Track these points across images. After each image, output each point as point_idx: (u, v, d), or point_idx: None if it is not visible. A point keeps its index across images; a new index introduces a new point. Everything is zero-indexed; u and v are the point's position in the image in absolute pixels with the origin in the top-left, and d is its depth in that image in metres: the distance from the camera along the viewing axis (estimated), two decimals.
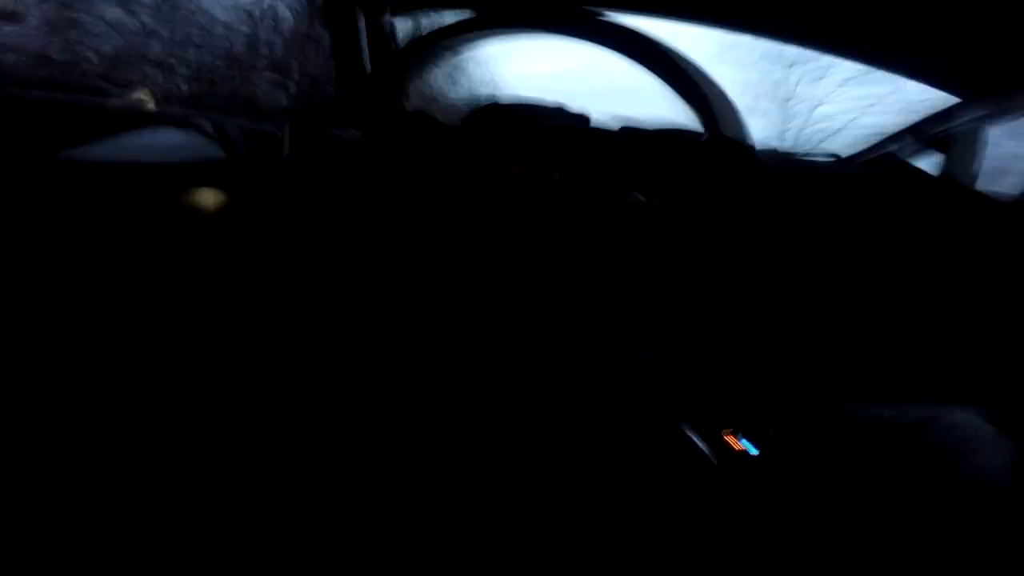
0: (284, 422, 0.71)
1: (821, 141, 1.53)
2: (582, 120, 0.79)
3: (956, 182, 1.03)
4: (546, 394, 0.67)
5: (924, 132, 1.11)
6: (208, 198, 0.91)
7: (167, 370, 0.78)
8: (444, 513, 0.66)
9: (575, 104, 0.84)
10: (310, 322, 0.70)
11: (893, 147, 1.15)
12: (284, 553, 0.63)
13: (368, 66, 0.89)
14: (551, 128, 0.60)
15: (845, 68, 1.21)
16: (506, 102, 0.91)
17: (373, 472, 0.69)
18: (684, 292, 0.58)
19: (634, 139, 0.60)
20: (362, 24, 0.93)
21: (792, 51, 1.25)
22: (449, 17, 0.90)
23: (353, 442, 0.70)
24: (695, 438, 0.69)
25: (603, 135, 0.60)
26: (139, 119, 0.97)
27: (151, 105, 1.31)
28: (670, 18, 1.13)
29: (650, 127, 0.62)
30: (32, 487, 0.65)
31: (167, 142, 0.95)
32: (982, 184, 1.05)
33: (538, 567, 0.63)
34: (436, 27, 0.59)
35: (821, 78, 1.45)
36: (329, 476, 0.69)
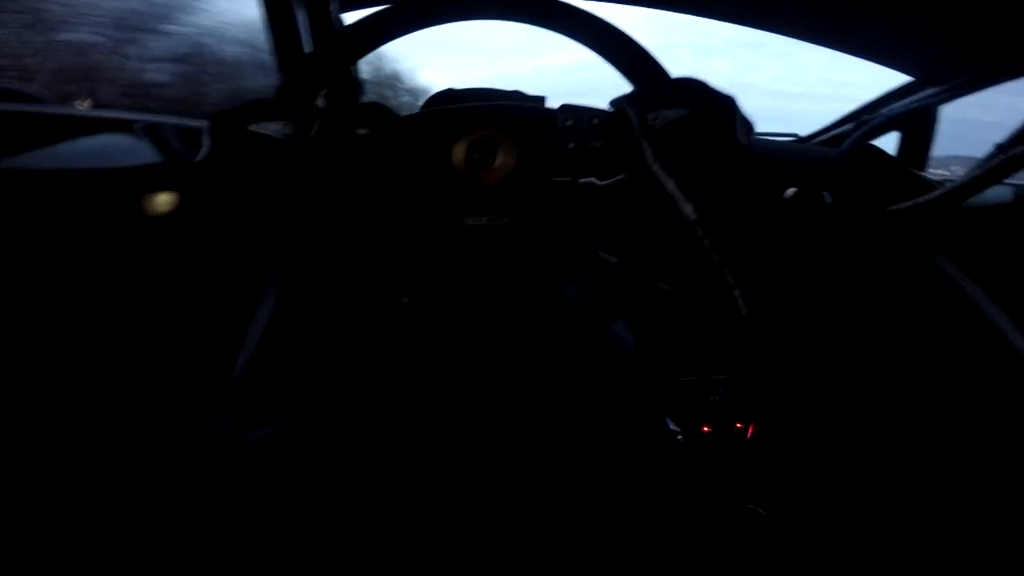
0: (248, 427, 0.69)
1: None
2: (535, 100, 0.76)
3: (912, 161, 1.05)
4: (524, 384, 0.66)
5: (879, 111, 1.13)
6: (148, 201, 0.86)
7: (124, 374, 0.75)
8: (436, 505, 0.65)
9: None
10: (266, 324, 0.68)
11: (849, 126, 1.17)
12: (279, 552, 0.63)
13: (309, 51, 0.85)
14: (494, 107, 0.57)
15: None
16: (461, 88, 0.88)
17: (362, 466, 0.68)
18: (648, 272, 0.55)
19: (577, 117, 0.57)
20: (302, 15, 0.89)
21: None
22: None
23: (336, 438, 0.69)
24: (671, 424, 0.69)
25: (549, 115, 0.57)
26: (72, 125, 0.91)
27: (84, 111, 1.24)
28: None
29: (595, 108, 0.59)
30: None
31: (100, 147, 0.90)
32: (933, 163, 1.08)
33: (533, 561, 0.63)
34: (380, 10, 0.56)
35: None
36: (319, 473, 0.67)
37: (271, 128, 0.49)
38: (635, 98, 0.51)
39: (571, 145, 0.56)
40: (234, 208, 0.48)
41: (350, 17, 1.15)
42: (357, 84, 1.19)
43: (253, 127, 0.49)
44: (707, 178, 0.47)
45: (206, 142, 0.50)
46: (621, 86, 0.53)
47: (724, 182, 0.47)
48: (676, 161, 0.47)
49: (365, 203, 0.57)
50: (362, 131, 0.56)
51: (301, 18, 0.95)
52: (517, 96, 0.81)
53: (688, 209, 0.46)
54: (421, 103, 0.90)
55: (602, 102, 0.57)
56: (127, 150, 0.91)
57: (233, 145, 0.49)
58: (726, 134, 0.48)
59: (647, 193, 0.49)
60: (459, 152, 0.55)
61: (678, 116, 0.48)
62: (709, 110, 0.48)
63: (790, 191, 0.72)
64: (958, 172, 0.93)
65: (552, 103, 0.63)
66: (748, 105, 0.50)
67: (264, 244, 0.49)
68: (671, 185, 0.46)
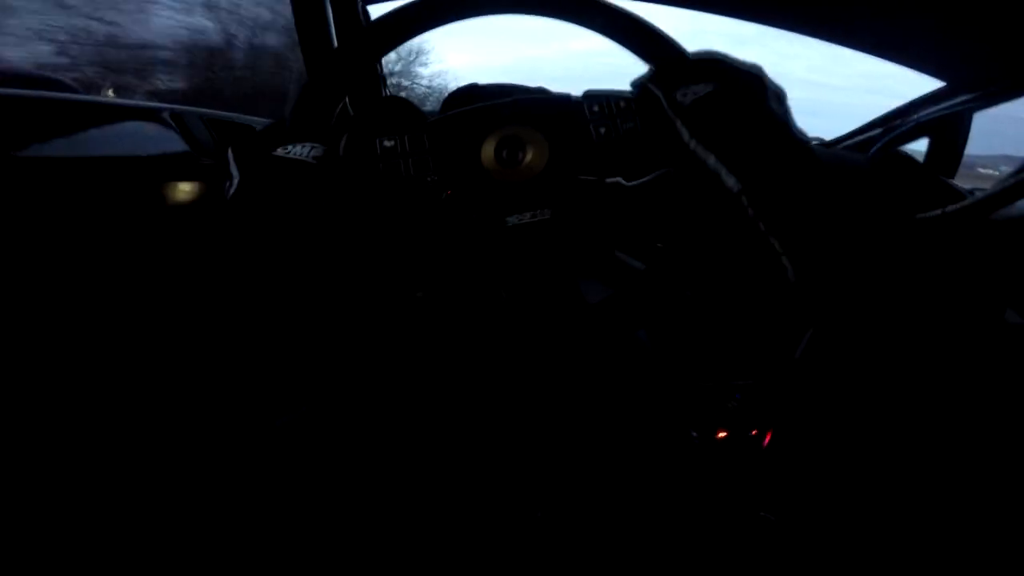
0: (271, 415, 0.70)
1: None
2: (541, 92, 0.75)
3: (942, 169, 1.03)
4: (542, 387, 0.66)
5: (908, 116, 1.10)
6: (174, 191, 0.87)
7: (146, 366, 0.76)
8: (450, 501, 0.65)
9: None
10: (291, 316, 0.69)
11: (877, 131, 1.15)
12: (276, 551, 0.63)
13: (335, 44, 0.86)
14: (524, 102, 0.57)
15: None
16: (484, 84, 0.88)
17: (363, 465, 0.68)
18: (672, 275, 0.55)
19: (603, 102, 0.57)
20: (329, 10, 0.89)
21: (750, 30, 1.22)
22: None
23: (340, 436, 0.69)
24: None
25: (577, 105, 0.57)
26: (99, 113, 0.93)
27: (112, 99, 1.26)
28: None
29: (619, 92, 0.59)
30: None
31: (127, 135, 0.92)
32: (963, 169, 1.06)
33: (545, 561, 0.63)
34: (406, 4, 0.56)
35: None
36: (319, 471, 0.67)
37: (299, 151, 0.49)
38: (658, 76, 0.50)
39: (602, 131, 0.55)
40: (273, 238, 0.47)
41: (375, 11, 1.16)
42: (381, 79, 1.20)
43: (280, 152, 0.49)
44: (746, 148, 0.46)
45: (235, 173, 0.50)
46: (643, 69, 0.53)
47: (764, 150, 0.46)
48: (713, 135, 0.47)
49: (394, 211, 0.56)
50: (388, 143, 0.55)
51: (329, 15, 0.95)
52: (542, 92, 0.81)
53: (731, 181, 0.45)
54: (443, 94, 0.89)
55: (626, 85, 0.56)
56: (153, 138, 0.92)
57: (263, 174, 0.48)
58: (758, 103, 0.48)
59: (680, 170, 0.48)
60: (488, 151, 0.54)
61: (707, 91, 0.47)
62: (736, 82, 0.48)
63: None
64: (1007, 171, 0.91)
65: (576, 90, 0.63)
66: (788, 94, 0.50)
67: (297, 246, 0.49)
68: (711, 160, 0.46)
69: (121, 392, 0.75)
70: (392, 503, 0.65)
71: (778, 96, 0.49)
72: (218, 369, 0.75)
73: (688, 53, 0.51)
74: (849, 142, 1.19)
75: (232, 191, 0.49)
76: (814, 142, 1.23)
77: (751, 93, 0.48)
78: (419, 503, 0.65)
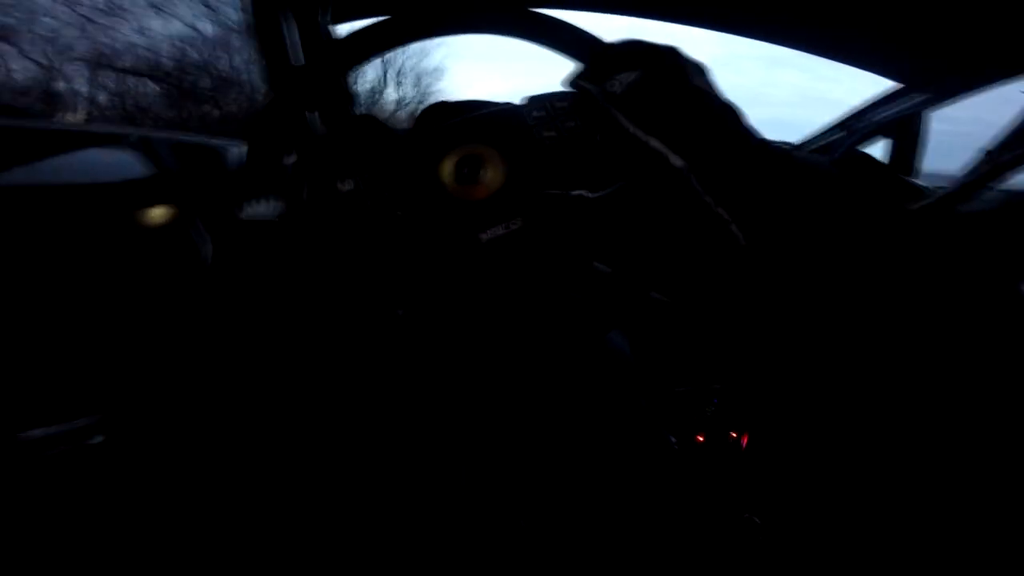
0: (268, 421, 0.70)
1: None
2: (510, 109, 0.77)
3: (902, 168, 1.06)
4: (520, 396, 0.66)
5: (868, 117, 1.14)
6: (142, 216, 0.86)
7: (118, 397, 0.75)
8: (431, 512, 0.65)
9: None
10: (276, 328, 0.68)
11: (840, 134, 1.18)
12: (273, 551, 0.63)
13: (299, 63, 0.86)
14: (474, 120, 0.57)
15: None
16: (452, 101, 0.88)
17: (360, 470, 0.68)
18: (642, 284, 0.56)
19: (544, 105, 0.58)
20: (289, 26, 0.89)
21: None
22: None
23: (334, 441, 0.69)
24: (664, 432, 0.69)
25: (518, 111, 0.58)
26: (63, 139, 0.92)
27: (75, 125, 1.24)
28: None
29: (558, 91, 0.60)
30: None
31: (91, 162, 0.90)
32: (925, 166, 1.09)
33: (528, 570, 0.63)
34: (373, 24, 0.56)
35: None
36: (317, 475, 0.67)
37: (262, 210, 0.49)
38: (586, 72, 0.52)
39: (549, 134, 0.56)
40: (251, 293, 0.48)
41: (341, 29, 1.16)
42: (350, 97, 1.19)
43: (247, 213, 0.49)
44: (683, 126, 0.48)
45: (207, 246, 0.51)
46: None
47: (698, 125, 0.48)
48: (650, 119, 0.48)
49: (363, 240, 0.56)
50: (346, 186, 0.56)
51: (289, 33, 0.95)
52: (507, 107, 0.81)
53: (676, 160, 0.47)
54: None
55: None
56: (118, 164, 0.91)
57: (232, 239, 0.49)
58: (682, 80, 0.49)
59: (628, 157, 0.49)
60: (446, 171, 0.55)
61: (634, 78, 0.49)
62: (658, 64, 0.49)
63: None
64: None
65: None
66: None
67: (279, 289, 0.50)
68: (654, 142, 0.47)
69: (96, 402, 0.74)
70: (374, 513, 0.65)
71: (699, 69, 0.51)
72: (196, 387, 0.74)
73: (607, 44, 0.53)
74: (813, 146, 1.22)
75: (210, 259, 0.50)
76: (783, 145, 1.26)
77: (674, 71, 0.50)
78: (401, 513, 0.65)
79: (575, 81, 0.53)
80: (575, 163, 0.57)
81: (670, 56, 0.51)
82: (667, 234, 0.55)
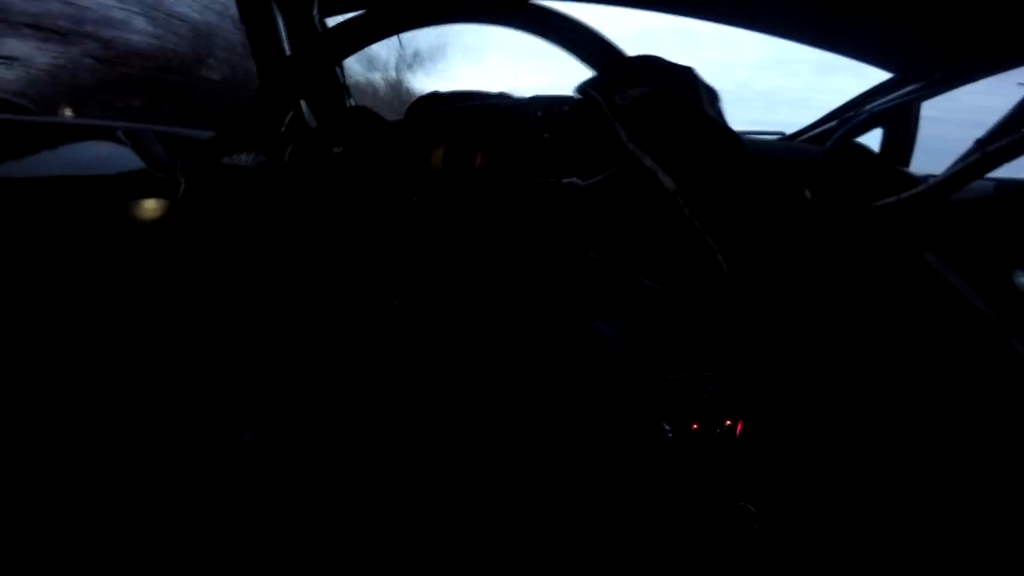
0: (239, 430, 0.69)
1: None
2: (503, 98, 0.77)
3: (895, 157, 1.06)
4: (515, 386, 0.66)
5: (862, 107, 1.13)
6: (132, 208, 0.86)
7: (111, 383, 0.75)
8: (425, 506, 0.65)
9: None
10: (258, 329, 0.68)
11: (833, 123, 1.17)
12: (269, 554, 0.63)
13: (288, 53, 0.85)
14: (470, 109, 0.58)
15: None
16: (445, 92, 0.88)
17: (351, 467, 0.67)
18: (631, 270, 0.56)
19: (547, 107, 0.58)
20: (280, 20, 0.89)
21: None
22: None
23: (325, 439, 0.69)
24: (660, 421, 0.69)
25: (520, 108, 0.58)
26: (55, 133, 0.91)
27: (67, 119, 1.24)
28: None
29: (564, 96, 0.60)
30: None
31: (83, 155, 0.90)
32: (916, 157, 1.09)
33: (522, 561, 0.63)
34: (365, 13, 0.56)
35: None
36: (307, 474, 0.67)
37: (244, 159, 0.49)
38: (598, 81, 0.52)
39: (546, 135, 0.56)
40: (222, 238, 0.48)
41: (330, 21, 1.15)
42: (344, 89, 1.19)
43: (226, 160, 0.49)
44: (681, 149, 0.48)
45: (182, 180, 0.50)
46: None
47: (697, 151, 0.48)
48: (649, 137, 0.48)
49: (349, 214, 0.56)
50: (337, 149, 0.56)
51: (279, 23, 0.95)
52: (502, 97, 0.81)
53: (667, 181, 0.47)
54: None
55: None
56: (110, 157, 0.90)
57: (208, 180, 0.49)
58: (692, 105, 0.49)
59: (625, 174, 0.49)
60: (437, 157, 0.55)
61: (643, 94, 0.49)
62: (671, 84, 0.49)
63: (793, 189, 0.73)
64: None
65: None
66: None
67: (255, 263, 0.49)
68: (648, 161, 0.48)
69: (88, 403, 0.74)
70: (370, 508, 0.65)
71: (712, 96, 0.51)
72: (187, 383, 0.74)
73: (627, 56, 0.53)
74: (807, 135, 1.22)
75: (180, 195, 0.50)
76: (775, 136, 1.25)
77: (685, 94, 0.50)
78: (397, 508, 0.65)
79: (584, 89, 0.53)
80: (568, 161, 0.58)
81: (684, 77, 0.51)
82: (657, 223, 0.55)
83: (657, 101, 0.49)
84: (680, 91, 0.49)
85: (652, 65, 0.51)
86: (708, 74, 0.52)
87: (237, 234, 0.49)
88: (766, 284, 0.48)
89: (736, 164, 0.48)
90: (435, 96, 0.89)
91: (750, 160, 0.49)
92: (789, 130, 1.28)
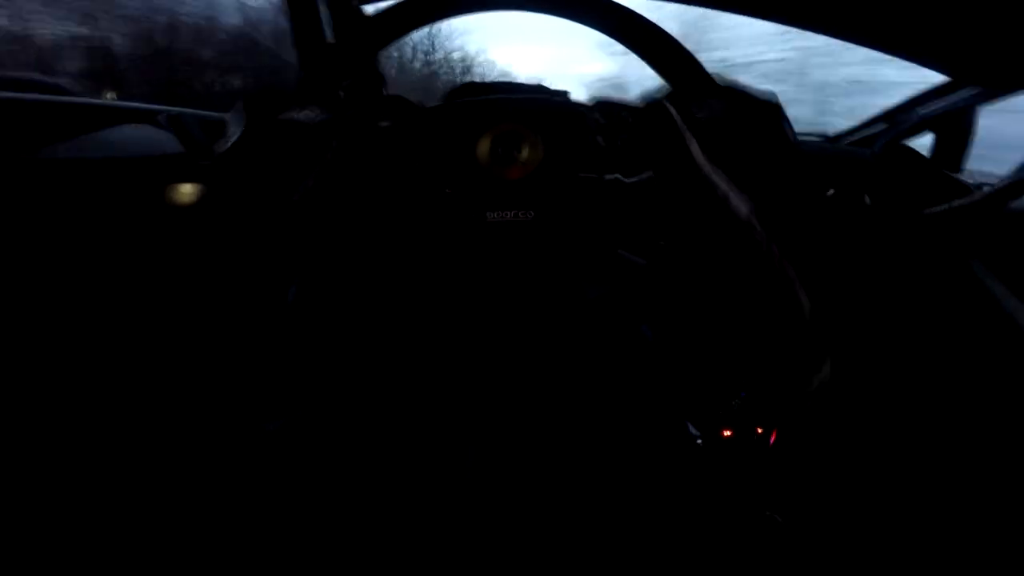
0: (264, 418, 0.69)
1: None
2: (559, 95, 0.75)
3: (947, 163, 1.02)
4: (541, 384, 0.65)
5: (912, 111, 1.09)
6: (170, 191, 0.87)
7: (149, 366, 0.76)
8: (446, 501, 0.65)
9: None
10: (287, 317, 0.68)
11: (881, 126, 1.13)
12: (292, 541, 0.63)
13: (331, 41, 0.85)
14: (520, 101, 0.57)
15: None
16: (483, 81, 0.87)
17: (373, 458, 0.67)
18: (674, 270, 0.55)
19: (609, 113, 0.57)
20: (323, 6, 0.89)
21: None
22: None
23: (337, 438, 0.69)
24: (691, 428, 0.67)
25: (578, 110, 0.56)
26: (97, 116, 0.93)
27: (109, 102, 1.27)
28: None
29: (630, 103, 0.59)
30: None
31: (125, 137, 0.91)
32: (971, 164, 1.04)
33: (542, 561, 0.62)
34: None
35: None
36: (331, 463, 0.67)
37: (303, 115, 0.49)
38: (675, 95, 0.50)
39: (601, 140, 0.55)
40: (262, 197, 0.47)
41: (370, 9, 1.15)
42: (380, 77, 1.19)
43: (283, 115, 0.49)
44: (760, 174, 0.46)
45: (235, 130, 0.49)
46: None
47: (777, 178, 0.46)
48: (725, 157, 0.46)
49: (387, 196, 0.56)
50: (384, 123, 0.56)
51: (323, 10, 0.95)
52: (540, 90, 0.80)
53: (742, 206, 0.44)
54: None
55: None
56: (151, 140, 0.92)
57: (262, 133, 0.48)
58: (775, 130, 0.47)
59: (686, 190, 0.47)
60: (484, 146, 0.55)
61: (724, 109, 0.47)
62: (753, 107, 0.47)
63: (830, 192, 0.70)
64: None
65: (632, 94, 0.62)
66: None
67: (293, 234, 0.49)
68: (720, 181, 0.45)
69: (120, 392, 0.75)
70: (386, 505, 0.65)
71: (790, 126, 0.49)
72: (214, 371, 0.75)
73: (708, 73, 0.51)
74: (853, 138, 1.18)
75: (226, 146, 0.49)
76: (817, 137, 1.22)
77: (767, 119, 0.47)
78: (417, 503, 0.65)
79: (656, 100, 0.51)
80: (617, 162, 0.56)
81: (768, 102, 0.48)
82: (699, 231, 0.53)
83: (736, 121, 0.47)
84: (762, 114, 0.47)
85: (732, 87, 0.49)
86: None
87: (281, 193, 0.48)
88: (843, 310, 0.46)
89: (813, 197, 0.47)
90: (473, 85, 0.88)
91: (823, 197, 0.47)
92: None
